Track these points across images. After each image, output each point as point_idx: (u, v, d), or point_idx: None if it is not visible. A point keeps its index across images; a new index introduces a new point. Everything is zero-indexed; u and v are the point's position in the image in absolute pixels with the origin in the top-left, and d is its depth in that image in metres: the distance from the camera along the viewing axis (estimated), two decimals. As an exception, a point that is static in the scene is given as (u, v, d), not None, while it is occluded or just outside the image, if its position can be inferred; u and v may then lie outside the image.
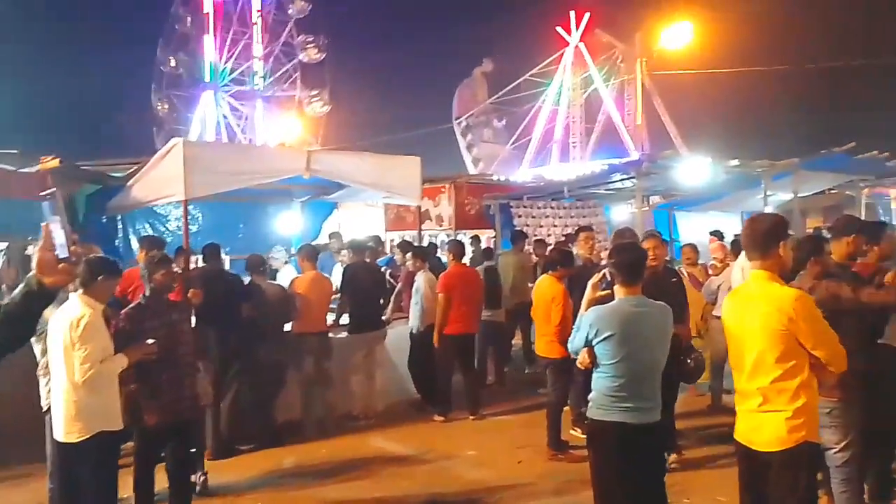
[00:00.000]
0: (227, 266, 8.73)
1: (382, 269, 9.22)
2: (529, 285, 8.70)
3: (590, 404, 3.92)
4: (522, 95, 42.74)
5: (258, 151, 11.44)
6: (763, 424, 3.19)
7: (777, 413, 3.13)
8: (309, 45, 39.79)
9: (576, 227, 9.23)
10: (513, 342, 10.23)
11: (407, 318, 8.37)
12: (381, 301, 8.46)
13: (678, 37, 35.26)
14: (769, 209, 11.77)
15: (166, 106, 38.98)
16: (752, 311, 3.22)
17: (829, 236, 4.82)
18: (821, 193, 14.63)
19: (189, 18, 39.39)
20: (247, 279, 7.28)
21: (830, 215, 14.64)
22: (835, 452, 3.97)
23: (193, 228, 9.50)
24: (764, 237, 3.28)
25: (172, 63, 39.14)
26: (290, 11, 40.05)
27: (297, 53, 40.29)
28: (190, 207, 7.15)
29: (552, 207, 13.58)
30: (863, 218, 13.36)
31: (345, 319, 8.03)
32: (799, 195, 11.26)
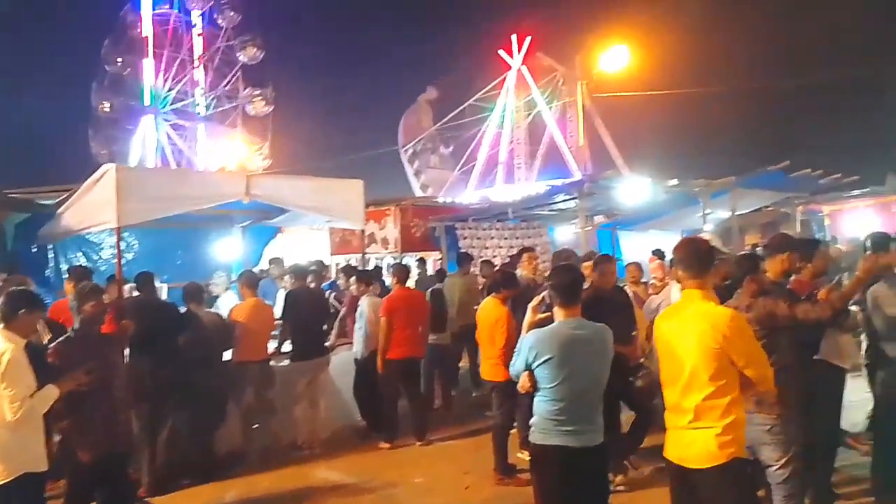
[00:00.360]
0: (164, 294, 8.47)
1: (326, 294, 9.07)
2: (475, 308, 8.66)
3: (531, 428, 3.88)
4: (468, 121, 43.08)
5: (195, 176, 11.21)
6: (694, 441, 3.21)
7: (708, 429, 3.17)
8: (247, 44, 39.31)
9: (521, 248, 9.25)
10: (460, 365, 10.16)
11: (351, 343, 8.23)
12: (325, 327, 8.30)
13: (616, 59, 36.14)
14: (709, 227, 12.05)
15: (104, 151, 37.72)
16: (687, 329, 3.25)
17: (764, 254, 4.90)
18: (758, 211, 15.05)
19: (120, 60, 38.34)
20: (184, 308, 7.04)
21: (768, 232, 15.08)
22: (776, 469, 3.99)
23: (129, 256, 9.23)
24: (700, 257, 3.35)
25: (107, 107, 38.08)
26: (220, 22, 39.67)
27: (235, 57, 39.73)
28: (125, 234, 6.95)
29: (497, 229, 13.64)
30: (799, 234, 13.79)
31: (287, 346, 7.85)
32: (737, 213, 11.55)
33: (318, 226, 12.99)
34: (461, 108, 42.85)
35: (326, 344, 8.19)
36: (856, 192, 16.84)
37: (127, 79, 38.76)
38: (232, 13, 39.54)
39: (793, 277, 4.72)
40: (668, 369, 3.38)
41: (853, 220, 17.84)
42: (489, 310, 6.51)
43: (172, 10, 39.49)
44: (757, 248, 8.44)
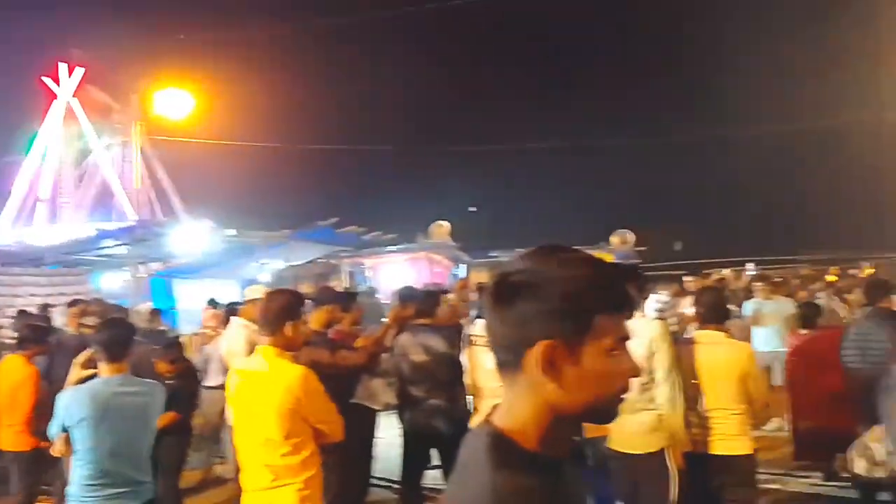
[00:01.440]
0: None
1: None
2: None
3: (67, 499, 3.46)
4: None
5: None
6: (274, 500, 3.17)
7: (288, 486, 3.15)
8: None
9: (60, 296, 8.26)
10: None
11: None
12: None
13: (177, 104, 35.32)
14: (265, 276, 12.36)
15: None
16: (262, 389, 3.20)
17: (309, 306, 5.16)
18: (311, 262, 15.97)
19: None
20: None
21: (320, 282, 16.07)
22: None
23: None
24: (276, 314, 3.31)
25: None
26: None
27: None
28: None
29: (31, 275, 12.00)
30: (346, 285, 14.98)
31: None
32: (291, 263, 12.09)
33: None
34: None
35: None
36: (393, 247, 19.02)
37: None
38: None
39: (335, 327, 5.07)
40: (242, 430, 3.28)
41: (391, 273, 20.05)
42: (12, 369, 5.62)
43: None
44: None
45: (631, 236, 21.30)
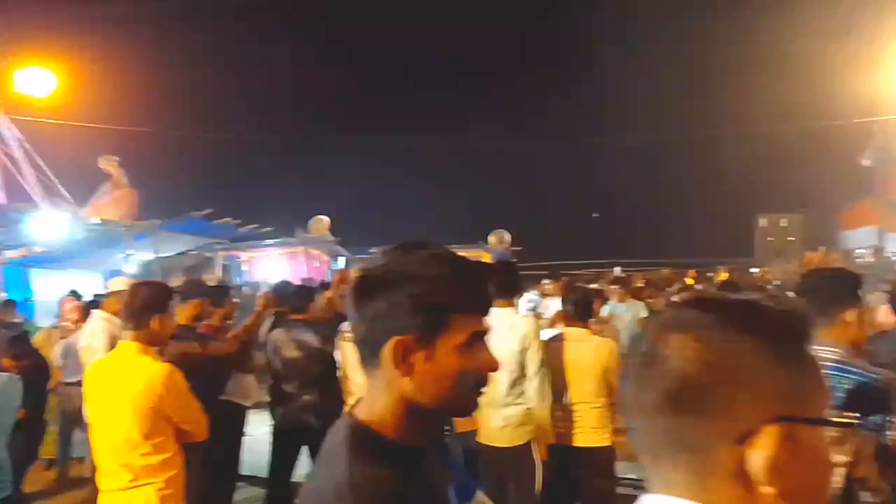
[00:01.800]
0: None
1: None
2: None
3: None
4: None
5: None
6: (133, 500, 3.03)
7: (148, 486, 3.03)
8: None
9: None
10: None
11: None
12: None
13: (40, 84, 32.97)
14: (131, 268, 11.79)
15: None
16: (121, 386, 3.04)
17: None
18: (182, 254, 15.37)
19: None
20: None
21: (192, 275, 15.48)
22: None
23: None
24: (140, 307, 3.15)
25: None
26: None
27: None
28: None
29: None
30: (220, 278, 14.52)
31: None
32: (160, 255, 11.59)
33: None
34: None
35: None
36: (270, 241, 18.62)
37: None
38: None
39: (204, 322, 4.92)
40: (99, 427, 3.11)
41: (268, 267, 19.61)
42: None
43: None
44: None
45: (508, 236, 21.80)
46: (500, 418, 3.94)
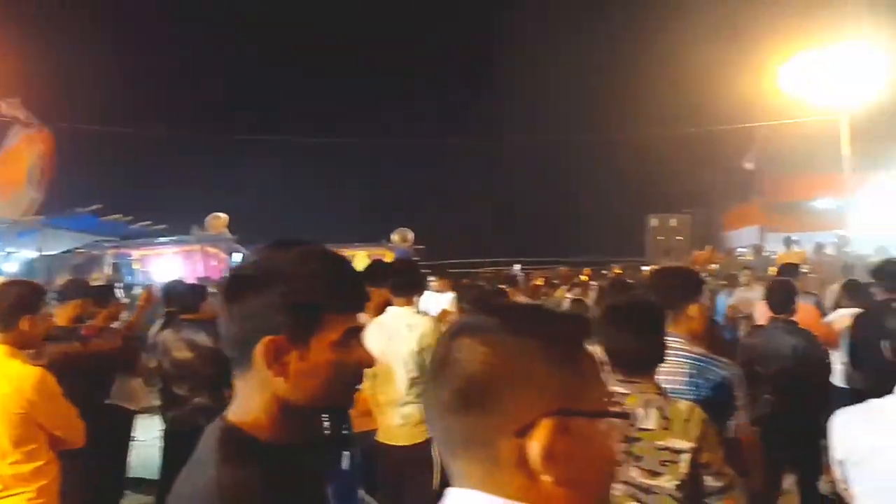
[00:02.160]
0: None
1: None
2: None
3: None
4: None
5: None
6: None
7: (20, 496, 2.91)
8: None
9: None
10: None
11: None
12: None
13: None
14: (12, 267, 11.21)
15: None
16: None
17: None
18: (69, 252, 14.68)
19: None
20: None
21: (78, 274, 14.80)
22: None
23: None
24: (9, 308, 3.02)
25: None
26: None
27: None
28: None
29: None
30: (109, 276, 13.95)
31: None
32: (44, 253, 11.07)
33: None
34: None
35: None
36: (164, 239, 17.98)
37: None
38: None
39: (87, 322, 4.78)
40: None
41: (162, 265, 18.90)
42: None
43: None
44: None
45: (411, 234, 21.87)
46: (399, 417, 3.94)
